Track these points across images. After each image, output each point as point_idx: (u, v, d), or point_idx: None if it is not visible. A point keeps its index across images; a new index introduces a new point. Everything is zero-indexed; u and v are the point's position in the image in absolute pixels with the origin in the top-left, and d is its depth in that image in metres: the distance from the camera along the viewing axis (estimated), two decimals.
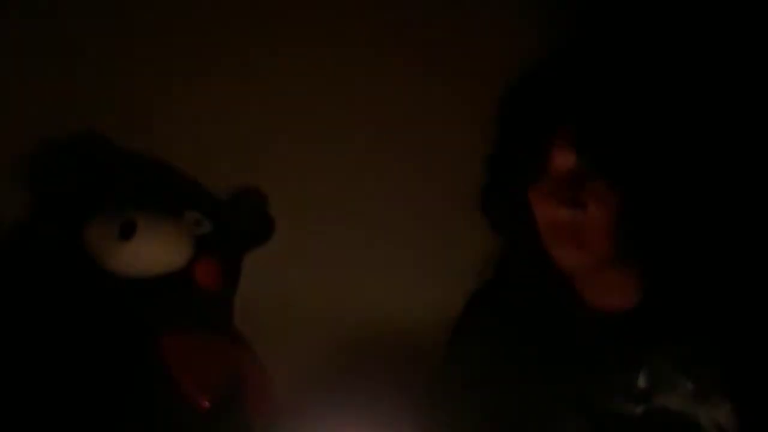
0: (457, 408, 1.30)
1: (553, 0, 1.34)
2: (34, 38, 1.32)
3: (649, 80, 1.21)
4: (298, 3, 1.37)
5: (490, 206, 1.30)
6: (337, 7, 1.37)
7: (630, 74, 1.21)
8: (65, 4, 1.32)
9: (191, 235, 1.32)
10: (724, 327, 1.16)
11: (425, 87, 1.39)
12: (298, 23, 1.37)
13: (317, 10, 1.37)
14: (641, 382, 1.18)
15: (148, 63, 1.35)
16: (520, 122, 1.23)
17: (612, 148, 1.15)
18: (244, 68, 1.38)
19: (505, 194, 1.25)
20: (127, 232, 1.26)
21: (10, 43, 1.32)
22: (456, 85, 1.39)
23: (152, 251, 1.29)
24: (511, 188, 1.23)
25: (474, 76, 1.37)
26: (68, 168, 1.33)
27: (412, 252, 1.43)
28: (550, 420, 1.24)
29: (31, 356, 1.27)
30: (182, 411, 1.30)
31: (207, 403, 1.30)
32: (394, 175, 1.42)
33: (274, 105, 1.39)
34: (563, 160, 1.17)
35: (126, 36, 1.34)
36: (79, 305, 1.29)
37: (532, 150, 1.19)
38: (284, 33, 1.38)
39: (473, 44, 1.37)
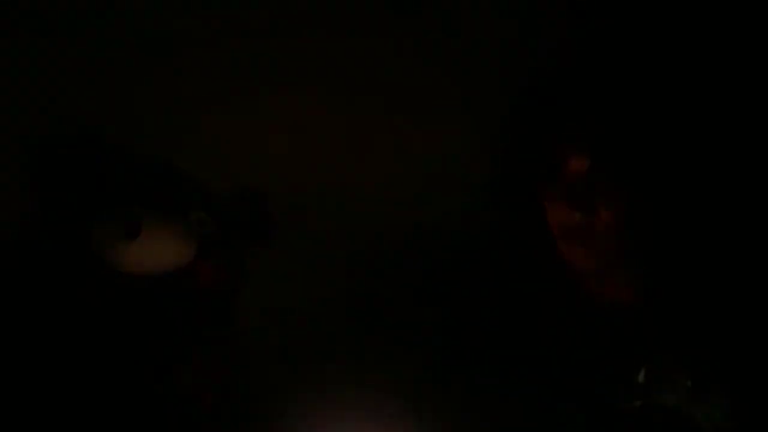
0: (461, 399, 1.32)
1: (570, 4, 1.34)
2: (35, 38, 1.31)
3: (663, 88, 1.23)
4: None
5: (502, 204, 1.32)
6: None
7: (644, 82, 1.23)
8: (65, 4, 1.31)
9: (195, 235, 1.33)
10: (725, 328, 1.18)
11: (435, 88, 1.40)
12: (299, 19, 1.37)
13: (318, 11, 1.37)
14: (641, 377, 1.21)
15: (152, 63, 1.35)
16: (534, 126, 1.25)
17: (625, 153, 1.17)
18: (247, 67, 1.37)
19: (518, 194, 1.27)
20: (132, 232, 1.28)
21: (10, 42, 1.31)
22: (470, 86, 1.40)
23: (157, 250, 1.30)
24: (524, 189, 1.25)
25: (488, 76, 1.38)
26: (73, 168, 1.34)
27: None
28: (549, 411, 1.26)
29: (37, 353, 1.28)
30: (185, 406, 1.32)
31: (209, 399, 1.33)
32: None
33: (278, 104, 1.39)
34: (577, 165, 1.19)
35: (128, 35, 1.34)
36: (84, 302, 1.31)
37: (547, 154, 1.21)
38: (285, 32, 1.37)
39: (488, 44, 1.37)
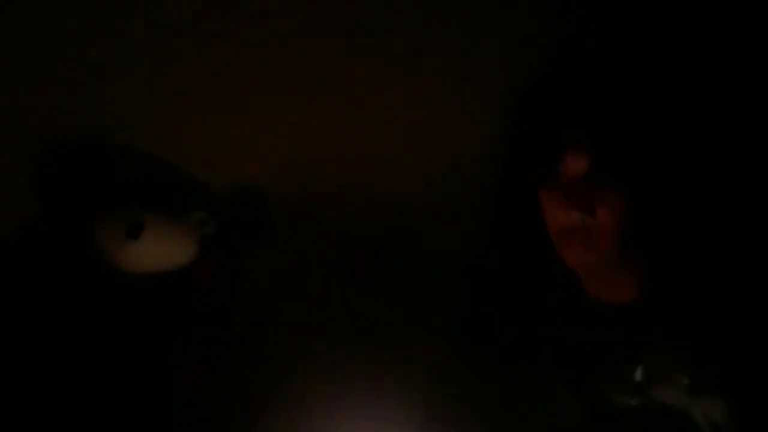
0: (458, 396, 1.33)
1: (568, 3, 1.35)
2: (34, 38, 1.31)
3: (661, 87, 1.24)
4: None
5: (501, 205, 1.33)
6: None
7: (643, 81, 1.24)
8: (65, 4, 1.31)
9: (197, 235, 1.34)
10: (722, 325, 1.20)
11: (434, 88, 1.41)
12: (299, 19, 1.37)
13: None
14: (638, 375, 1.22)
15: (153, 62, 1.35)
16: (533, 126, 1.25)
17: (624, 154, 1.18)
18: (247, 66, 1.38)
19: (516, 194, 1.28)
20: (134, 232, 1.28)
21: (10, 42, 1.31)
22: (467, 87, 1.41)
23: (159, 250, 1.31)
24: (523, 190, 1.26)
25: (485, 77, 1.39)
26: (75, 168, 1.34)
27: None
28: (548, 408, 1.28)
29: (38, 353, 1.29)
30: (185, 405, 1.33)
31: (209, 398, 1.34)
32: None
33: (278, 103, 1.40)
34: (575, 164, 1.20)
35: (129, 35, 1.34)
36: (85, 302, 1.31)
37: (545, 153, 1.21)
38: (285, 31, 1.38)
39: (488, 44, 1.38)
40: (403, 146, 1.43)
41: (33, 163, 1.34)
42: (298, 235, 1.44)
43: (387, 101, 1.41)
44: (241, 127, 1.40)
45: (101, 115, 1.36)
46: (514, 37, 1.37)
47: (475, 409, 1.32)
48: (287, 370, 1.40)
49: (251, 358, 1.39)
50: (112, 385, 1.29)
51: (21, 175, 1.35)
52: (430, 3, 1.36)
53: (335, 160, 1.44)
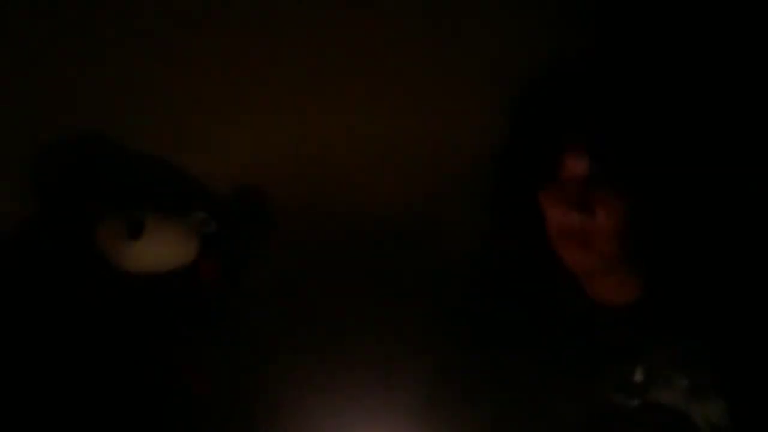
0: (459, 396, 1.34)
1: (568, 4, 1.35)
2: (34, 38, 1.31)
3: (662, 88, 1.24)
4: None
5: (500, 206, 1.33)
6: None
7: (643, 82, 1.24)
8: (65, 4, 1.31)
9: (197, 235, 1.34)
10: (721, 326, 1.20)
11: (434, 88, 1.41)
12: (298, 18, 1.37)
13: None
14: (638, 376, 1.22)
15: (152, 62, 1.35)
16: (532, 126, 1.25)
17: (624, 155, 1.18)
18: (246, 67, 1.38)
19: (517, 195, 1.28)
20: (135, 232, 1.28)
21: (10, 42, 1.31)
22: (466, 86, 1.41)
23: (159, 250, 1.31)
24: (522, 190, 1.26)
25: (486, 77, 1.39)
26: (75, 168, 1.35)
27: None
28: (547, 409, 1.28)
29: (40, 353, 1.29)
30: (188, 405, 1.33)
31: (212, 398, 1.34)
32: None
33: (278, 103, 1.40)
34: (575, 165, 1.19)
35: (128, 35, 1.34)
36: (87, 302, 1.31)
37: (544, 154, 1.21)
38: (284, 31, 1.38)
39: (489, 44, 1.38)
40: (403, 146, 1.44)
41: (33, 163, 1.35)
42: (298, 235, 1.44)
43: (387, 101, 1.41)
44: (241, 127, 1.40)
45: (101, 115, 1.36)
46: (514, 37, 1.38)
47: (475, 409, 1.32)
48: (288, 369, 1.40)
49: (252, 358, 1.39)
50: (113, 385, 1.29)
51: (21, 175, 1.35)
52: (430, 3, 1.37)
53: (335, 160, 1.44)
